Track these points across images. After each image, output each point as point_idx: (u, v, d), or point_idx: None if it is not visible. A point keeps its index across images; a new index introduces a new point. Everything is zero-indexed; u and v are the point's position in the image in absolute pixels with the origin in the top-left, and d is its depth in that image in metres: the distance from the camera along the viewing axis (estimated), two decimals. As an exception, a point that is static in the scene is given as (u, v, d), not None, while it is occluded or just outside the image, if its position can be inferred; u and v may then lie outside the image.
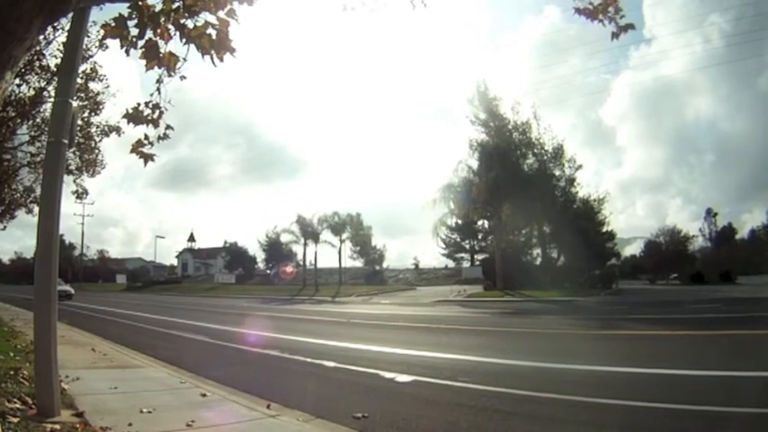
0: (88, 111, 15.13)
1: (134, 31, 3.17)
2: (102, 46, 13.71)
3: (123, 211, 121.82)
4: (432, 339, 11.01)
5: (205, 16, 3.13)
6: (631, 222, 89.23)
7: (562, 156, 38.49)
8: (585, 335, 12.03)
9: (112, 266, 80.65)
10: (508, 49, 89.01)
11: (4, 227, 20.59)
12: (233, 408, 5.09)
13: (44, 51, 13.26)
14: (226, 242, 78.28)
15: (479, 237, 58.91)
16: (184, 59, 3.33)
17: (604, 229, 41.52)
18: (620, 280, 40.25)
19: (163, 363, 7.92)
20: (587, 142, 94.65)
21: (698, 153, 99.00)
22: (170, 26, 3.17)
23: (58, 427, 3.88)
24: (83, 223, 67.61)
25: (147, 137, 3.76)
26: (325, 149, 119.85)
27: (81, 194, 18.04)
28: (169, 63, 3.34)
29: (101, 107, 15.54)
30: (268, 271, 67.08)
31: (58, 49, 12.49)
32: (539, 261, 41.13)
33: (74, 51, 4.68)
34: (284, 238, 57.38)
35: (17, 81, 13.18)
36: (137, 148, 3.78)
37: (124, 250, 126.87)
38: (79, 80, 12.58)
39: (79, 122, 10.64)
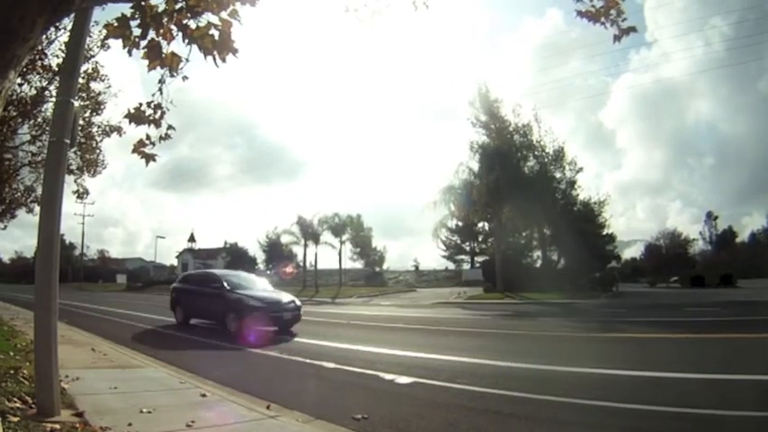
0: (90, 110, 15.13)
1: (136, 32, 3.17)
2: (104, 46, 13.75)
3: (123, 211, 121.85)
4: (431, 341, 11.00)
5: (208, 17, 3.14)
6: (631, 225, 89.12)
7: (563, 158, 38.46)
8: (585, 338, 12.02)
9: (113, 266, 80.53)
10: (509, 51, 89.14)
11: (5, 226, 20.62)
12: (233, 408, 5.09)
13: (46, 51, 13.28)
14: (226, 243, 78.43)
15: (480, 239, 58.94)
16: (187, 60, 3.33)
17: (605, 232, 41.43)
18: (621, 283, 40.19)
19: (163, 363, 7.92)
20: (588, 145, 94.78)
21: (698, 156, 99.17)
22: (173, 26, 3.17)
23: (57, 426, 3.88)
24: (83, 223, 67.68)
25: (148, 137, 3.77)
26: (326, 150, 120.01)
27: (82, 194, 18.02)
28: (171, 63, 3.34)
29: (102, 107, 15.55)
30: (268, 272, 66.99)
31: (60, 49, 12.52)
32: (539, 263, 41.05)
33: (76, 51, 4.69)
34: (284, 238, 57.33)
35: (19, 80, 13.19)
36: (138, 148, 3.78)
37: (124, 250, 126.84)
38: (81, 80, 12.61)
39: (81, 122, 10.66)
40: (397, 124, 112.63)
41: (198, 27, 3.14)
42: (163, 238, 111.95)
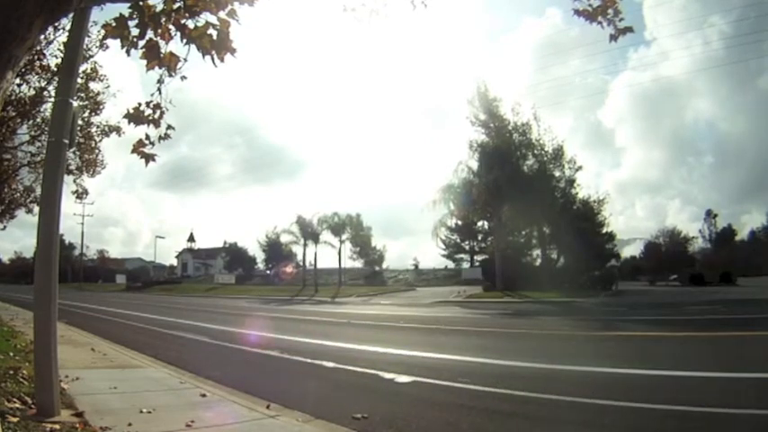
0: (88, 111, 15.15)
1: (135, 32, 3.17)
2: (102, 46, 13.78)
3: (123, 211, 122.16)
4: (431, 340, 11.01)
5: (206, 16, 3.14)
6: (631, 223, 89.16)
7: (562, 157, 38.45)
8: (585, 336, 12.03)
9: (112, 266, 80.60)
10: (508, 50, 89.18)
11: (4, 226, 20.68)
12: (233, 408, 5.09)
13: (45, 51, 13.29)
14: (226, 242, 78.43)
15: (479, 238, 58.89)
16: (185, 60, 3.33)
17: (604, 230, 41.38)
18: (620, 281, 40.18)
19: (163, 363, 7.92)
20: (587, 143, 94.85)
21: (697, 154, 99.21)
22: (171, 26, 3.17)
23: (57, 426, 3.87)
24: (83, 223, 67.85)
25: (148, 137, 3.76)
26: (326, 150, 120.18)
27: (81, 194, 18.12)
28: (170, 63, 3.34)
29: (101, 107, 15.60)
30: (268, 271, 67.09)
31: (58, 49, 12.52)
32: (538, 262, 41.05)
33: (74, 51, 4.68)
34: (284, 238, 57.36)
35: (17, 81, 13.19)
36: (138, 148, 3.78)
37: (124, 250, 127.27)
38: (80, 80, 12.57)
39: (79, 122, 10.63)
40: (397, 124, 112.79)
41: (196, 27, 3.14)
42: (162, 238, 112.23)
